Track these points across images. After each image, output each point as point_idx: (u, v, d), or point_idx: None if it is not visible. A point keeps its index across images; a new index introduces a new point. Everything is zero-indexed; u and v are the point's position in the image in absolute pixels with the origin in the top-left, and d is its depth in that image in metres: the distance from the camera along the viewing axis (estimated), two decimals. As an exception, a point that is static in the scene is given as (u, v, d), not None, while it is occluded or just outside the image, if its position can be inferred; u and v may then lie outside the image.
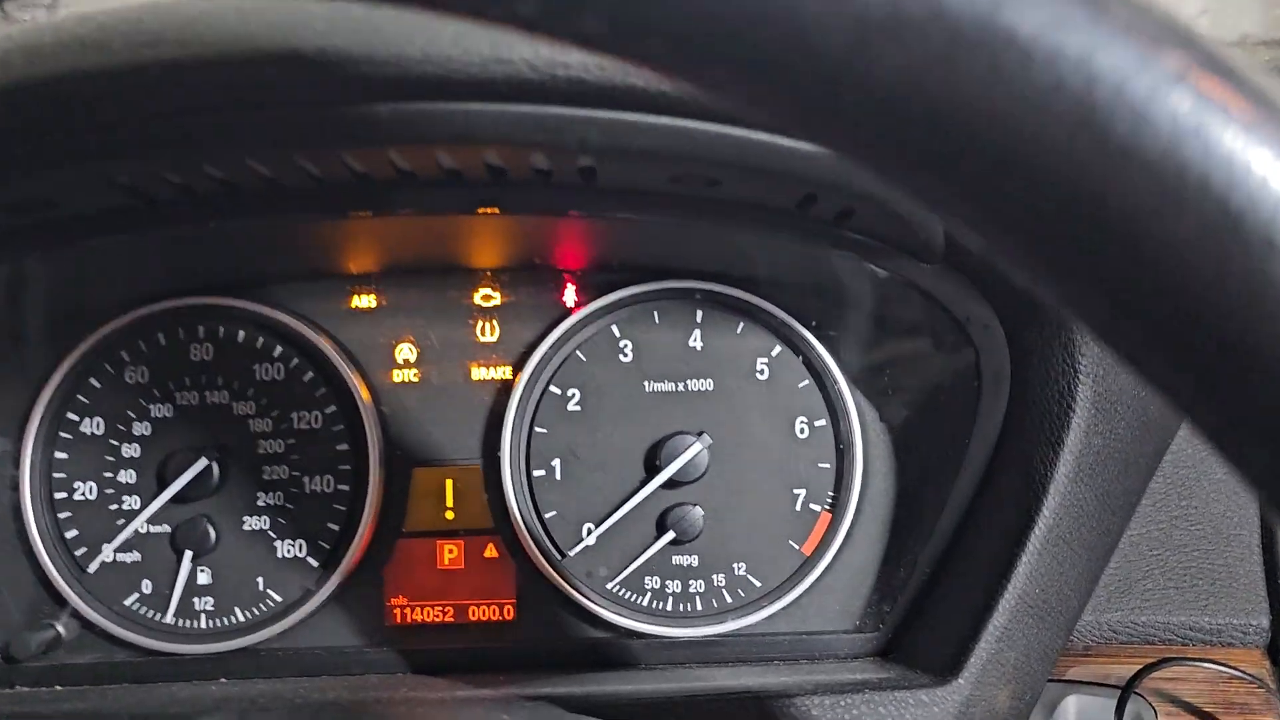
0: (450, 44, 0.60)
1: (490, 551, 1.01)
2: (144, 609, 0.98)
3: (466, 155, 0.70)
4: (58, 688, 0.94)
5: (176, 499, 0.97)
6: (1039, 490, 0.85)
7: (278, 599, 0.99)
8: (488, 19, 0.33)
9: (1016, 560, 0.85)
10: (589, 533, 0.99)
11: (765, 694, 0.86)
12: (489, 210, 0.87)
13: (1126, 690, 0.87)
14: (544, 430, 1.00)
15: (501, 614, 1.01)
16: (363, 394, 0.99)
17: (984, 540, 0.90)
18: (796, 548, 0.99)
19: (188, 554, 0.97)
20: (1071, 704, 0.89)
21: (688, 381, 1.00)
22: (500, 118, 0.61)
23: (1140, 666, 0.91)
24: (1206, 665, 0.91)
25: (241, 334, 1.00)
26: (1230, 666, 0.90)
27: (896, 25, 0.29)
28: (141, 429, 0.98)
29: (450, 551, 1.01)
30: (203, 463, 0.97)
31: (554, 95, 0.61)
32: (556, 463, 1.00)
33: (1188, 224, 0.29)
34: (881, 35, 0.29)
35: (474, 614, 1.00)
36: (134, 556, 0.98)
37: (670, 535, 0.98)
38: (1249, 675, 0.91)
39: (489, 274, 1.02)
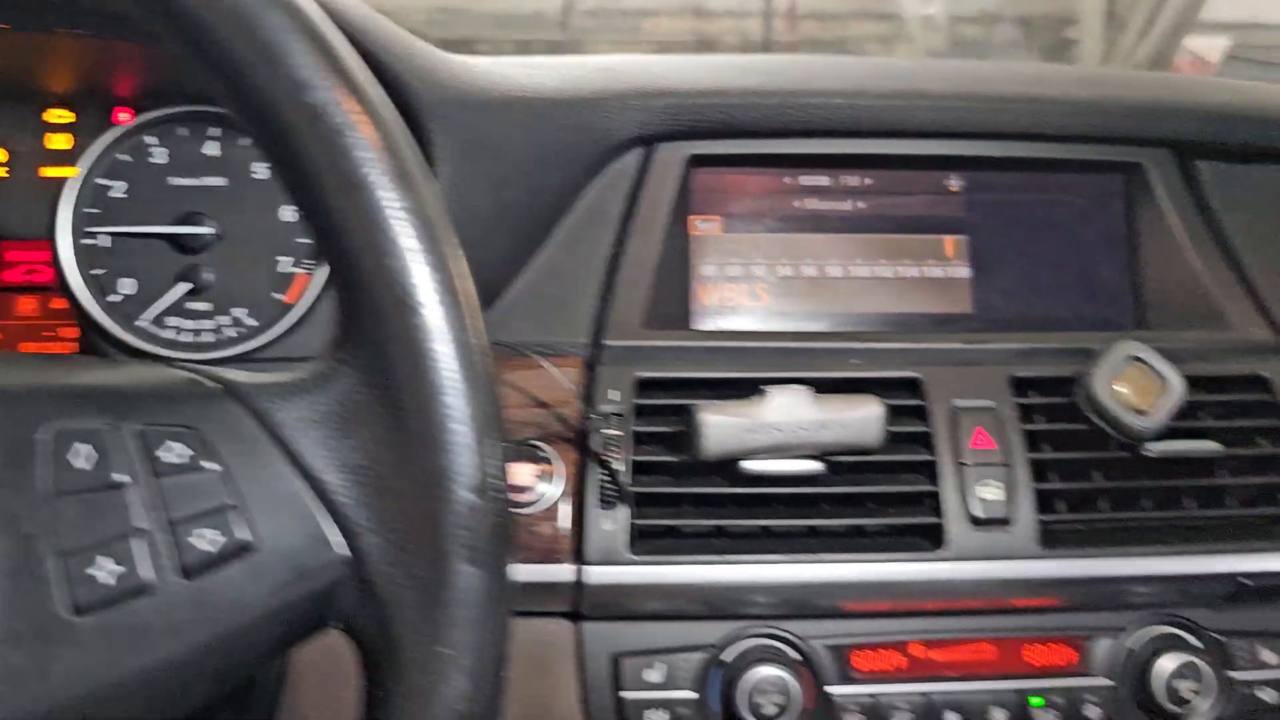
0: None
1: (57, 304, 1.37)
2: None
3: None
4: None
5: None
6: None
7: (-111, 332, 1.33)
8: None
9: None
10: (128, 285, 1.36)
11: None
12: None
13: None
14: (96, 210, 1.36)
15: (67, 349, 1.36)
16: (-42, 185, 1.34)
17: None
18: (281, 298, 1.37)
19: None
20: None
21: (204, 179, 1.37)
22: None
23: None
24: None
25: None
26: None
27: None
28: None
29: (28, 304, 1.37)
30: None
31: None
32: (103, 234, 1.36)
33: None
34: None
35: (46, 350, 1.36)
36: None
37: (188, 286, 1.35)
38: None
39: (63, 96, 1.38)
